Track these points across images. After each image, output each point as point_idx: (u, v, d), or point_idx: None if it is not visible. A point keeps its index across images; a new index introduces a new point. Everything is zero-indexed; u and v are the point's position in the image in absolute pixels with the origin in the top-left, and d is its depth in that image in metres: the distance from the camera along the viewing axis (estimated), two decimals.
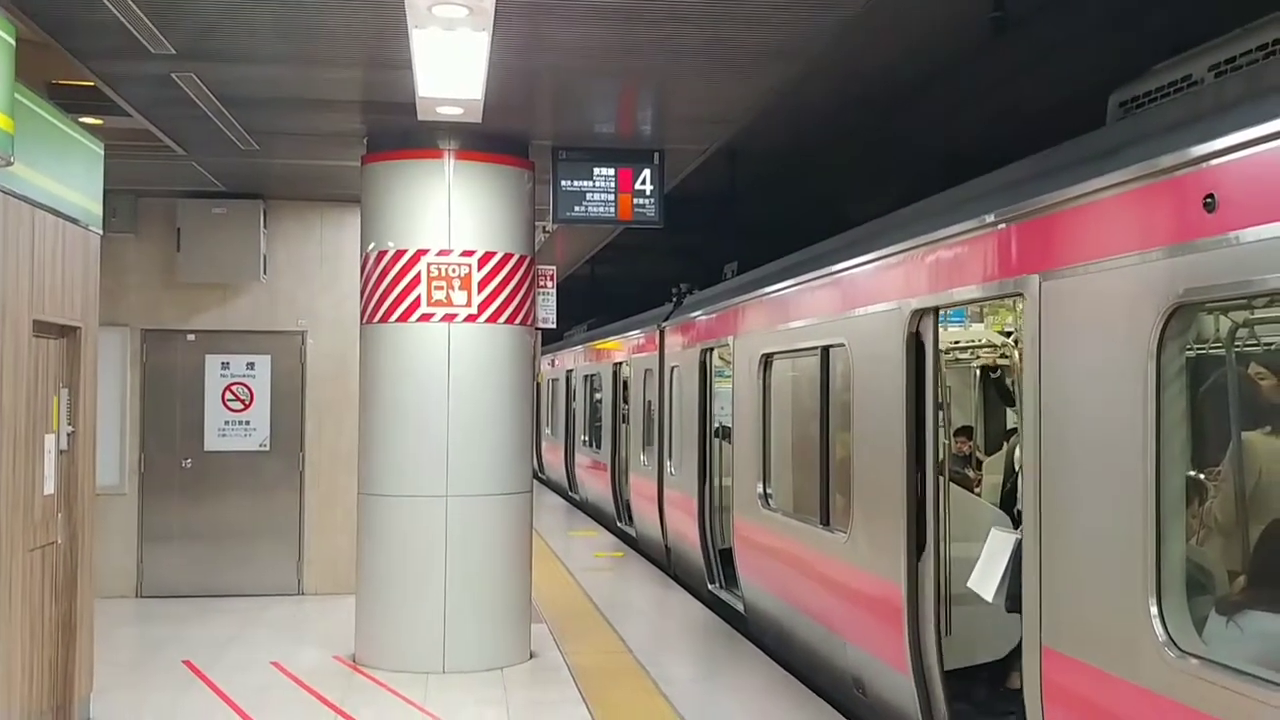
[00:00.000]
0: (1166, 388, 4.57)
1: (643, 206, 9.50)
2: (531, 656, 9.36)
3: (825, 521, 8.63)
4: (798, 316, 9.34)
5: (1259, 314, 4.48)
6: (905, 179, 12.80)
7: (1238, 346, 4.67)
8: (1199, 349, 4.75)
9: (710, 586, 12.43)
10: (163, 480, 11.94)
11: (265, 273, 11.96)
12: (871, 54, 9.43)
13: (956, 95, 10.61)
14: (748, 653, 9.72)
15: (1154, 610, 4.55)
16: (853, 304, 8.05)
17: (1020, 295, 5.70)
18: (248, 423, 12.00)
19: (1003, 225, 5.90)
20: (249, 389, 12.02)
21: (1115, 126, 5.56)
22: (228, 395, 11.99)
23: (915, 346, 6.96)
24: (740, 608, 11.10)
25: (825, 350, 8.70)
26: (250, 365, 12.03)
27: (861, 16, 6.35)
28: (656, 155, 9.44)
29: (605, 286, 24.56)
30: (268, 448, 12.03)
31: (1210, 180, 4.32)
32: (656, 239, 14.78)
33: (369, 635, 9.19)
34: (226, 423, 11.99)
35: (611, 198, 9.44)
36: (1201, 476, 4.75)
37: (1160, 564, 4.56)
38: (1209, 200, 4.30)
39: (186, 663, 9.19)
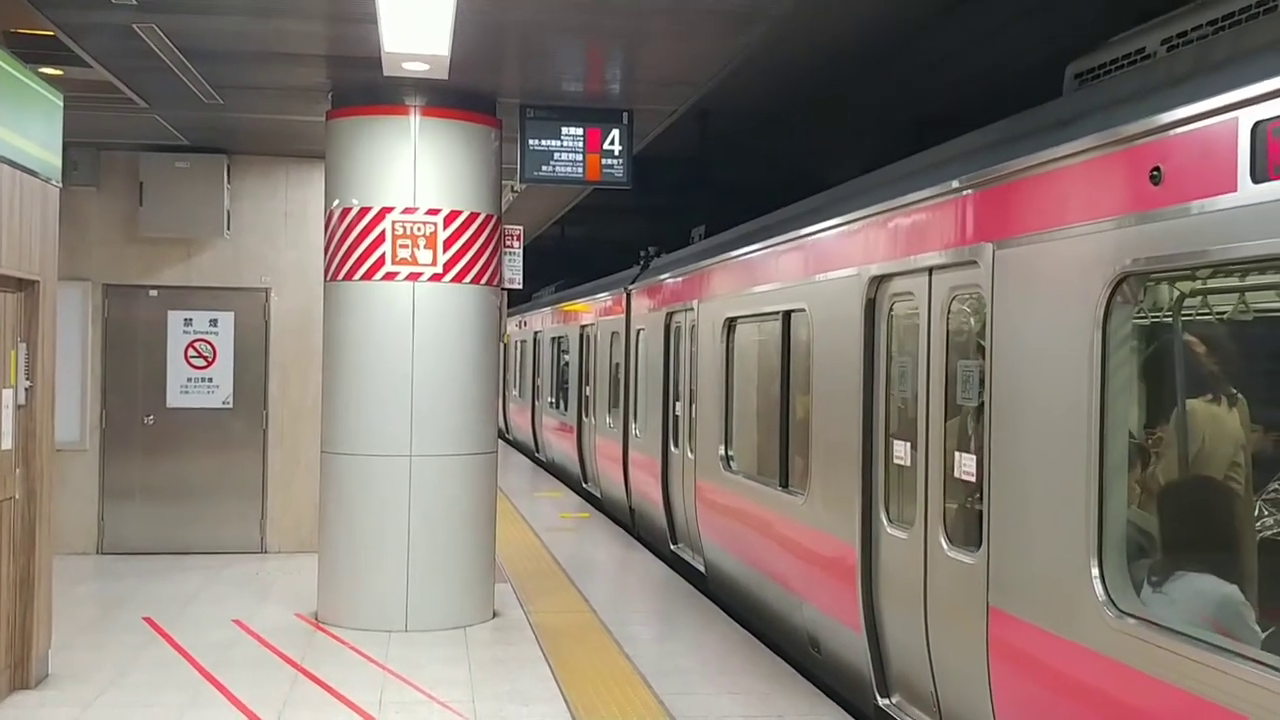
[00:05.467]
0: (1112, 355, 4.69)
1: (611, 167, 9.45)
2: (495, 616, 9.37)
3: (784, 483, 8.77)
4: (760, 281, 9.45)
5: (1203, 284, 4.54)
6: (876, 141, 12.80)
7: (1184, 316, 4.73)
8: (1145, 318, 4.84)
9: (672, 546, 12.61)
10: (124, 437, 11.87)
11: (229, 228, 11.86)
12: (841, 15, 9.36)
13: (926, 58, 10.57)
14: (708, 612, 9.77)
15: (1095, 571, 4.68)
16: (814, 269, 8.15)
17: (974, 263, 5.78)
18: (210, 380, 11.93)
19: (958, 194, 5.99)
20: (212, 346, 11.93)
21: (1069, 98, 5.62)
22: (190, 352, 11.90)
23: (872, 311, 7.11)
24: (701, 567, 11.26)
25: (786, 315, 8.82)
26: (213, 322, 11.94)
27: None
28: (625, 115, 9.38)
29: (576, 248, 24.47)
30: (231, 405, 11.97)
31: (1157, 153, 4.40)
32: (627, 200, 14.73)
33: (331, 594, 9.18)
34: (189, 380, 11.91)
35: (580, 158, 9.39)
36: (1143, 442, 4.86)
37: (1102, 526, 4.69)
38: (1155, 173, 4.38)
39: (147, 619, 9.16)
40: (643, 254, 15.24)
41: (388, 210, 8.91)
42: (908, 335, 6.75)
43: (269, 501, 12.04)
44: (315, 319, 10.33)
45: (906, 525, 6.64)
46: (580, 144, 9.38)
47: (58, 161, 7.65)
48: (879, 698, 6.96)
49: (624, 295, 15.46)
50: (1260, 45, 4.20)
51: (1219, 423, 4.62)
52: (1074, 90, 5.68)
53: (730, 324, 10.41)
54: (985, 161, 5.77)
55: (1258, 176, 3.88)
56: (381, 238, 8.90)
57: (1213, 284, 4.50)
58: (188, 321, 11.92)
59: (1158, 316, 4.83)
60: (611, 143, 9.41)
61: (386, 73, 8.08)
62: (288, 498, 12.00)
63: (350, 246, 8.97)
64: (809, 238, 8.29)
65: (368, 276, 8.93)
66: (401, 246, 8.88)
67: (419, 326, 8.92)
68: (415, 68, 8.02)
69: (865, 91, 11.77)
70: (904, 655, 6.69)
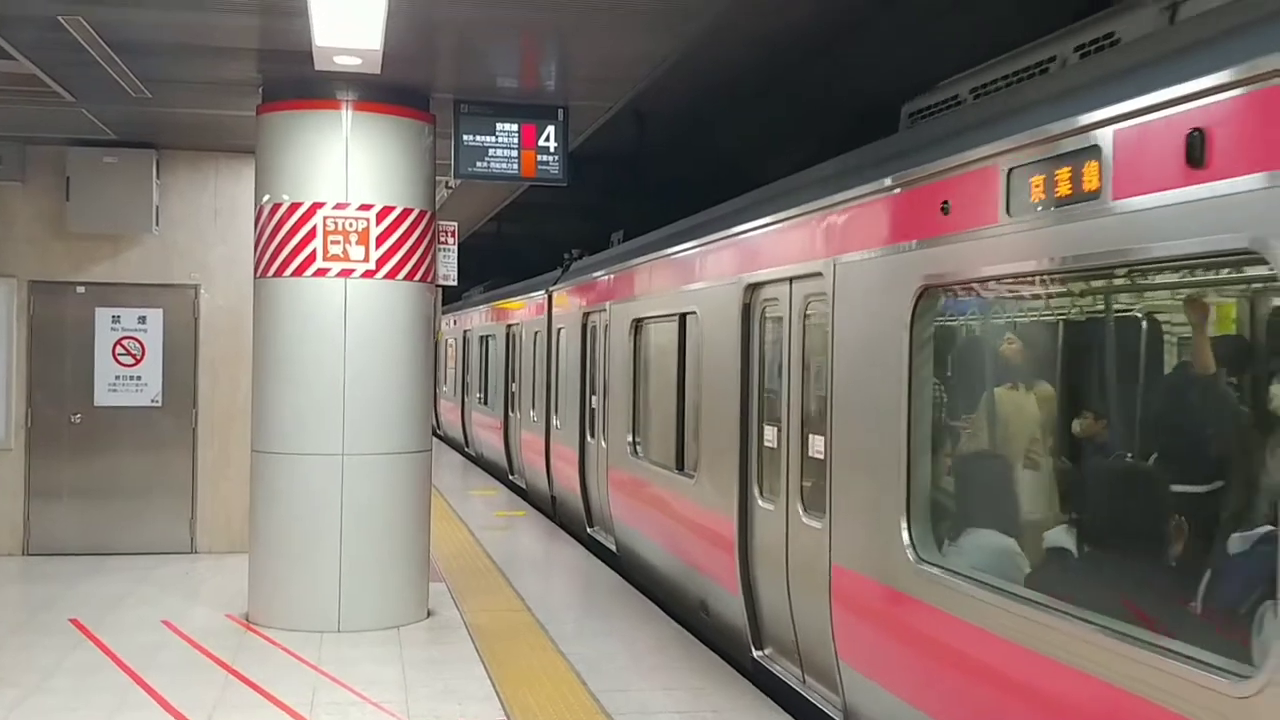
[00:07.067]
0: (918, 352, 5.71)
1: (546, 164, 9.42)
2: (429, 615, 9.31)
3: (680, 467, 9.86)
4: (662, 286, 10.43)
5: (993, 294, 5.44)
6: (811, 139, 12.85)
7: (972, 320, 5.80)
8: (948, 320, 5.85)
9: (589, 530, 13.48)
10: (51, 436, 11.68)
11: (158, 224, 11.69)
12: (775, 15, 9.40)
13: (860, 55, 10.63)
14: (644, 608, 9.79)
15: (904, 529, 5.71)
16: (703, 277, 9.16)
17: (821, 274, 6.80)
18: (139, 378, 11.76)
19: (809, 216, 7.08)
20: (140, 343, 11.76)
21: (900, 135, 6.55)
22: (118, 350, 11.73)
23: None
24: (613, 547, 12.16)
25: (682, 317, 9.82)
26: (142, 319, 11.77)
27: None
28: (560, 112, 9.35)
29: (512, 245, 24.38)
30: (160, 403, 11.81)
31: (945, 190, 5.46)
32: (564, 197, 14.71)
33: (262, 594, 9.07)
34: (117, 378, 11.73)
35: (515, 154, 9.35)
36: (943, 423, 5.83)
37: (910, 493, 5.71)
38: (945, 205, 5.43)
39: (74, 621, 9.01)
40: (566, 256, 15.85)
41: (319, 206, 8.82)
42: (775, 334, 7.80)
43: (199, 501, 11.89)
44: (245, 316, 10.22)
45: (774, 499, 7.69)
46: (515, 140, 9.34)
47: None
48: (754, 650, 8.01)
49: (546, 296, 16.21)
50: (1018, 105, 5.15)
51: (1016, 406, 5.43)
52: (907, 128, 6.60)
53: (637, 324, 11.34)
54: (829, 189, 6.79)
55: (1011, 211, 4.93)
56: (313, 233, 8.80)
57: (992, 294, 5.47)
58: (115, 319, 11.74)
59: (951, 321, 5.87)
60: (547, 139, 9.37)
61: (318, 67, 8.01)
62: (218, 497, 11.85)
63: (281, 242, 8.86)
64: (700, 249, 9.28)
65: (299, 273, 8.83)
66: (333, 243, 8.79)
67: (351, 323, 8.83)
68: (347, 62, 7.96)
69: (801, 88, 11.82)
70: (773, 611, 7.74)
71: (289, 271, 8.85)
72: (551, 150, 9.40)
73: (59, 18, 7.29)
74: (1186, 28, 4.40)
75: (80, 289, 11.73)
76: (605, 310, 12.55)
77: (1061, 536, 5.00)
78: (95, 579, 10.57)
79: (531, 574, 11.35)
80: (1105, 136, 4.33)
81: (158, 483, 11.80)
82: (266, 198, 8.99)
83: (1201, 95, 3.89)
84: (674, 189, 14.96)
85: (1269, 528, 3.62)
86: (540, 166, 9.41)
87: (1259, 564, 3.64)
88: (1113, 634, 4.22)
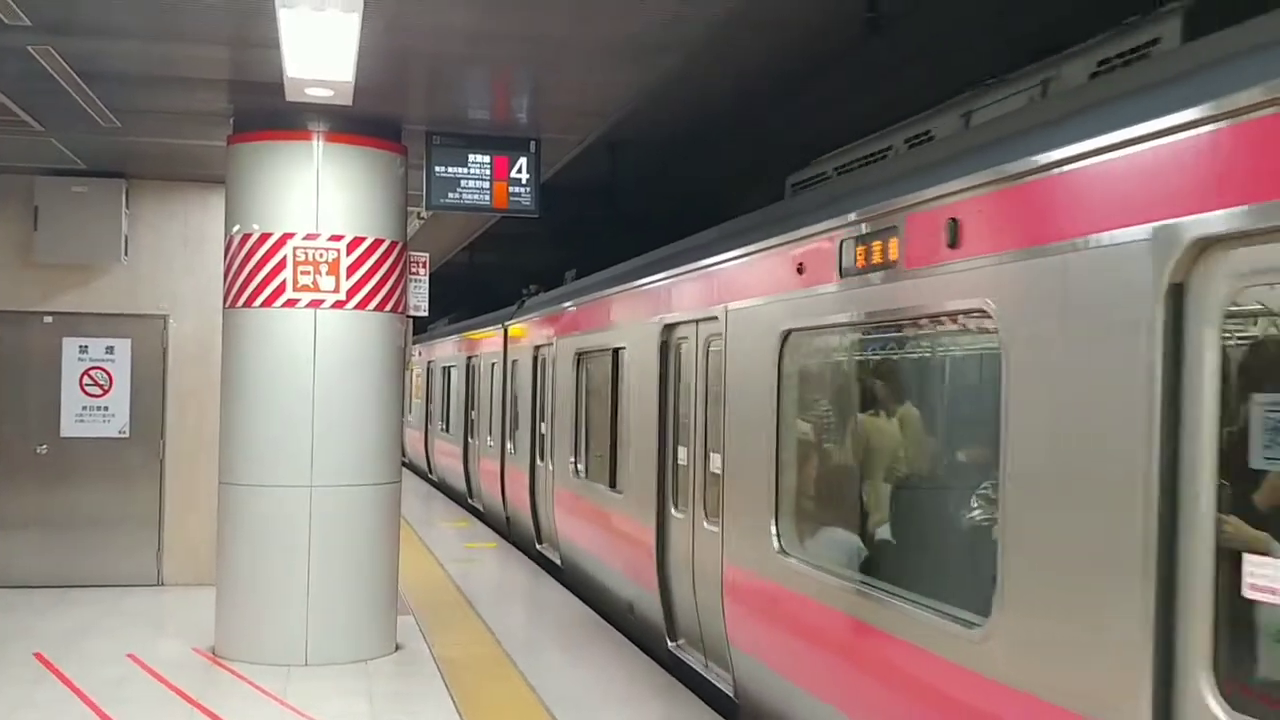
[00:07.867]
0: (784, 381, 6.91)
1: (518, 195, 9.44)
2: (397, 649, 9.25)
3: (612, 484, 10.95)
4: (599, 324, 11.52)
5: (833, 338, 6.67)
6: (781, 175, 12.90)
7: (822, 360, 7.04)
8: (802, 359, 6.96)
9: (538, 546, 14.49)
10: (16, 466, 11.55)
11: (126, 254, 11.63)
12: (748, 52, 9.45)
13: (831, 92, 10.69)
14: (614, 641, 9.76)
15: (773, 528, 6.91)
16: (631, 316, 10.30)
17: (717, 318, 7.95)
18: (106, 408, 11.66)
19: (709, 270, 8.25)
20: (108, 373, 11.68)
21: (782, 204, 7.70)
22: (85, 380, 11.64)
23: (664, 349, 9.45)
24: (558, 560, 13.16)
25: (615, 351, 10.88)
26: (109, 349, 11.68)
27: (737, 13, 6.43)
28: (532, 144, 9.37)
29: (485, 275, 24.34)
30: (127, 434, 11.72)
31: (799, 256, 6.65)
32: (537, 228, 14.71)
33: (229, 627, 8.99)
34: (84, 408, 11.63)
35: (486, 185, 9.36)
36: (806, 440, 7.09)
37: (778, 500, 6.92)
38: (800, 268, 6.60)
39: (37, 655, 8.90)
40: (524, 292, 16.63)
41: (289, 236, 8.80)
42: (686, 367, 8.94)
43: (165, 532, 11.79)
44: (214, 347, 10.16)
45: (685, 509, 8.81)
46: (487, 171, 9.35)
47: None
48: (669, 642, 9.07)
49: (503, 330, 17.15)
50: (853, 188, 6.29)
51: (866, 428, 6.59)
52: (790, 196, 7.77)
53: (579, 357, 12.44)
54: (726, 246, 7.93)
55: (843, 274, 6.10)
56: (283, 264, 8.78)
57: (833, 338, 6.68)
58: (83, 349, 11.65)
59: (805, 360, 6.99)
60: (519, 171, 9.39)
61: (289, 98, 8.01)
62: (185, 529, 11.74)
63: (250, 272, 8.83)
64: (628, 292, 10.40)
65: (268, 303, 8.80)
66: (303, 273, 8.76)
67: (321, 354, 8.80)
68: (319, 93, 7.95)
69: (773, 125, 11.87)
70: (683, 606, 8.81)
71: (259, 302, 8.81)
72: (523, 182, 9.42)
73: (28, 47, 7.26)
74: (968, 134, 5.53)
75: (47, 319, 11.65)
76: (553, 344, 13.68)
77: (885, 532, 6.31)
78: (59, 612, 10.46)
79: (501, 607, 11.30)
80: (900, 219, 5.52)
81: (124, 514, 11.69)
82: (236, 228, 8.96)
83: (956, 194, 5.01)
84: (646, 220, 14.98)
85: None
86: (512, 198, 9.43)
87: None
88: (907, 601, 5.45)
